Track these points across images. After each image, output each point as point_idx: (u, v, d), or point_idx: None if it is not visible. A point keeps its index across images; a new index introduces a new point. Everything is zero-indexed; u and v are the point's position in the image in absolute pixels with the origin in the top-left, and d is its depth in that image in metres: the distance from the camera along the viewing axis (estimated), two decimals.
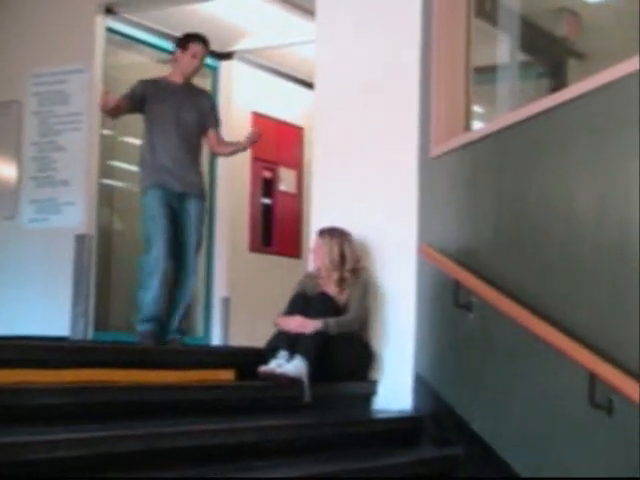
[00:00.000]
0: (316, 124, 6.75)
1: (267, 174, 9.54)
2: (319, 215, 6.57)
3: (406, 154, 6.24)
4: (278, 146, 9.65)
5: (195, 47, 6.67)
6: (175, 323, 6.51)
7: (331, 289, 6.16)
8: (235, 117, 9.17)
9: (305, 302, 6.01)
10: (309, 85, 8.37)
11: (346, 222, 6.30)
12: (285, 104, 9.74)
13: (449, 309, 5.63)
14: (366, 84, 6.46)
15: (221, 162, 8.92)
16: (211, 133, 6.77)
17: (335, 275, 6.16)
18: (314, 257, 6.25)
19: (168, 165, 6.53)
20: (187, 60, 6.67)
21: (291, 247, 9.60)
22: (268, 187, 9.57)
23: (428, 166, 6.13)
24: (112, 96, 6.42)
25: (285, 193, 9.71)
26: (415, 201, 6.17)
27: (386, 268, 6.28)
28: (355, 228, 6.30)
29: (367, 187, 6.40)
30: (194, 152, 6.71)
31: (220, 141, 6.82)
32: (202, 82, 9.18)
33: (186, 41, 6.71)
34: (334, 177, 6.53)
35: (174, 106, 6.58)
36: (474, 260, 5.44)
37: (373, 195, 6.37)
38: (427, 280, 6.04)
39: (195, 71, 6.75)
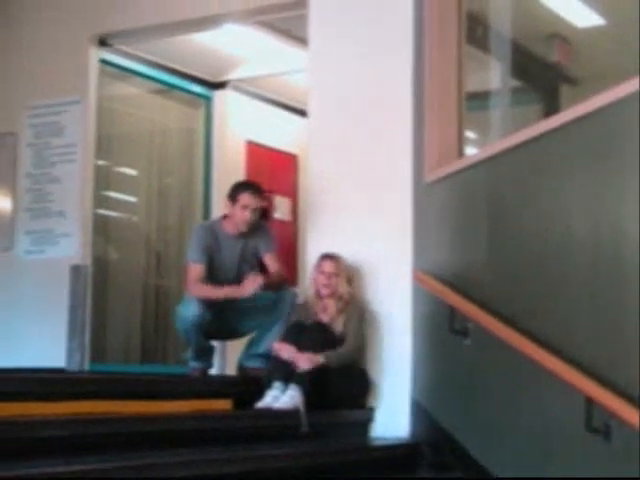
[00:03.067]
0: (310, 152, 6.74)
1: (264, 203, 9.53)
2: (314, 242, 6.55)
3: (400, 180, 6.24)
4: (273, 174, 9.63)
5: (244, 197, 6.24)
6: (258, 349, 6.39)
7: (328, 317, 6.15)
8: (229, 146, 9.20)
9: (300, 330, 6.00)
10: (303, 113, 8.38)
11: (341, 249, 6.30)
12: (279, 132, 9.74)
13: (445, 335, 5.62)
14: (359, 111, 6.47)
15: (215, 191, 8.92)
16: (267, 260, 6.40)
17: (340, 302, 6.15)
18: (327, 280, 6.15)
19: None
20: (239, 214, 6.25)
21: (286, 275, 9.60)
22: (263, 215, 9.55)
23: (422, 192, 6.13)
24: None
25: (280, 221, 9.70)
26: (410, 227, 6.17)
27: (381, 295, 6.27)
28: (350, 255, 6.31)
29: (362, 214, 6.39)
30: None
31: (271, 267, 6.38)
32: (195, 113, 9.23)
33: (234, 193, 6.30)
34: (329, 204, 6.53)
35: (232, 261, 6.33)
36: (469, 286, 5.43)
37: (368, 222, 6.36)
38: (422, 306, 6.02)
39: (250, 223, 6.28)
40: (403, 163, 6.25)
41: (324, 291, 6.19)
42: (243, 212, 6.25)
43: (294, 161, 9.84)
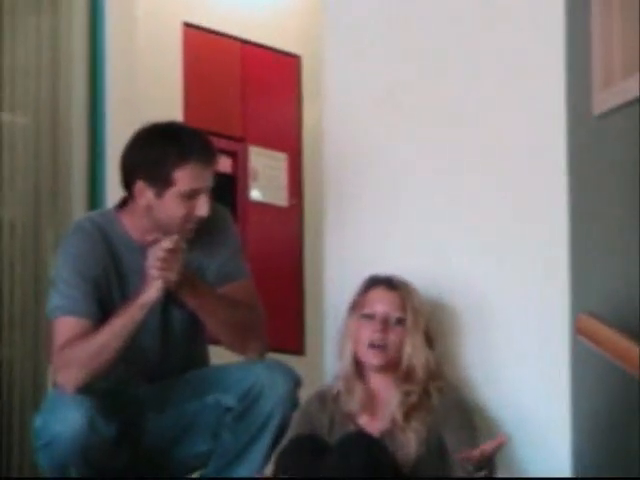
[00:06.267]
0: (328, 55, 6.99)
1: (223, 165, 9.47)
2: (342, 257, 6.80)
3: (540, 114, 6.51)
4: (246, 101, 9.66)
5: (188, 173, 6.27)
6: None
7: (384, 421, 6.14)
8: (155, 34, 9.47)
9: (317, 452, 5.94)
10: None
11: (403, 269, 6.33)
12: (257, 5, 9.78)
13: None
14: None
15: (113, 143, 8.96)
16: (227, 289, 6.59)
17: (413, 386, 6.14)
18: (382, 333, 6.11)
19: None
20: (176, 211, 6.33)
21: (280, 332, 9.47)
22: (225, 195, 9.48)
23: (589, 138, 6.32)
24: None
25: (264, 206, 9.69)
26: (563, 216, 6.39)
27: (501, 367, 6.45)
28: (424, 280, 6.42)
29: (451, 193, 6.66)
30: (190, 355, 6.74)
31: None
32: None
33: (162, 167, 6.29)
34: (373, 168, 6.76)
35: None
36: None
37: (465, 209, 6.63)
38: (595, 389, 6.20)
39: (198, 224, 6.41)
40: (546, 77, 6.50)
41: (374, 358, 6.14)
42: (184, 203, 6.31)
43: (293, 68, 9.92)
